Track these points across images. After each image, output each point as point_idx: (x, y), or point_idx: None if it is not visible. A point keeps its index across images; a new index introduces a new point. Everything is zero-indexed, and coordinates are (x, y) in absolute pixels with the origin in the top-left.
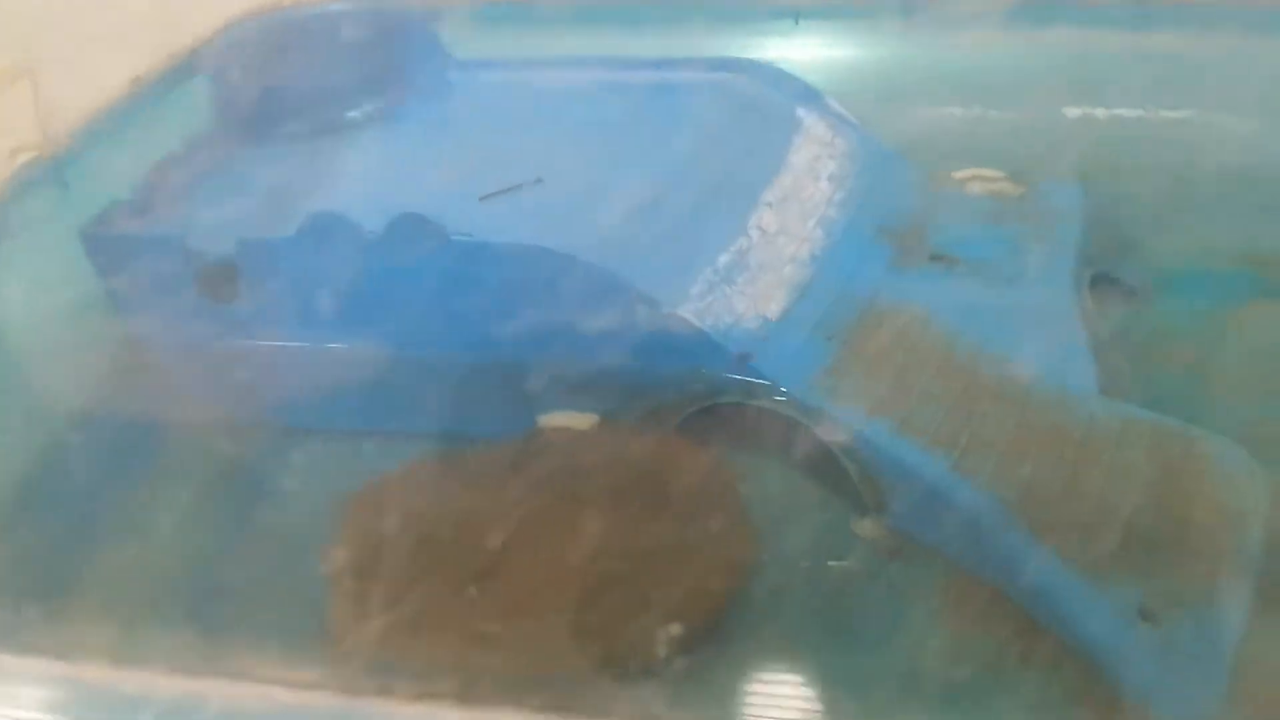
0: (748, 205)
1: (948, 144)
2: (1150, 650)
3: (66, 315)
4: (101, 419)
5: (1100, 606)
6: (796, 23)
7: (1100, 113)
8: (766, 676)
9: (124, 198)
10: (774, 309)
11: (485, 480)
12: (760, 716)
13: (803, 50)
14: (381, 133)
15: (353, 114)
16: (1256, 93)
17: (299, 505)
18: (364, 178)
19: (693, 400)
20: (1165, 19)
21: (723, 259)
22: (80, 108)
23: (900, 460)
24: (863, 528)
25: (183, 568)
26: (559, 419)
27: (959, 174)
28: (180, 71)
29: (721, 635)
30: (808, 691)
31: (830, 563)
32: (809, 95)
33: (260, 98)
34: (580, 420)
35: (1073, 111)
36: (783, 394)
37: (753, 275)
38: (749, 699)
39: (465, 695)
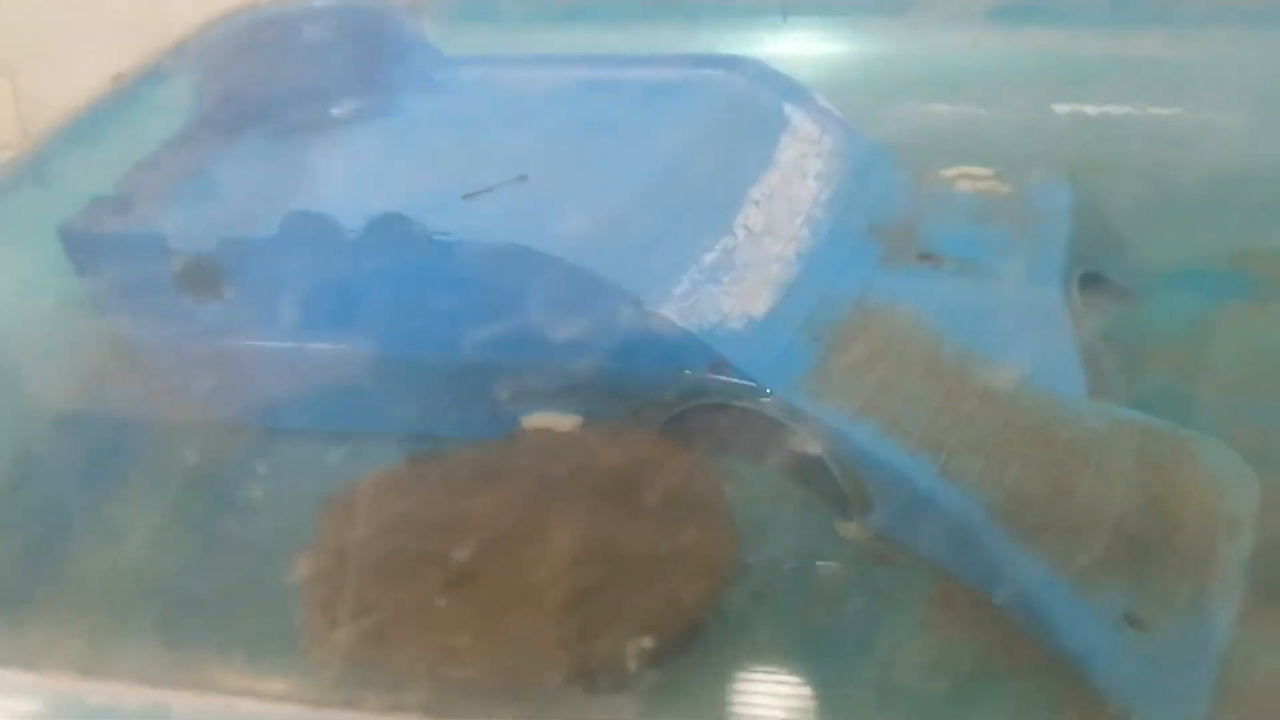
0: (734, 204)
1: (936, 141)
2: (1136, 657)
3: (45, 314)
4: (79, 419)
5: (1086, 612)
6: (785, 19)
7: (1090, 110)
8: (747, 684)
9: (104, 196)
10: (759, 309)
11: (466, 482)
12: None
13: (791, 47)
14: (365, 130)
15: (336, 111)
16: (1247, 90)
17: (277, 508)
18: (347, 176)
19: (677, 401)
20: (1155, 16)
21: (708, 258)
22: (60, 105)
23: (885, 463)
24: (847, 530)
25: (157, 572)
26: (541, 420)
27: (947, 172)
28: (162, 69)
29: (702, 640)
30: (787, 699)
31: (817, 563)
32: (797, 92)
33: (242, 95)
34: (563, 421)
35: (1062, 109)
36: (768, 395)
37: (738, 275)
38: (728, 708)
39: (434, 708)
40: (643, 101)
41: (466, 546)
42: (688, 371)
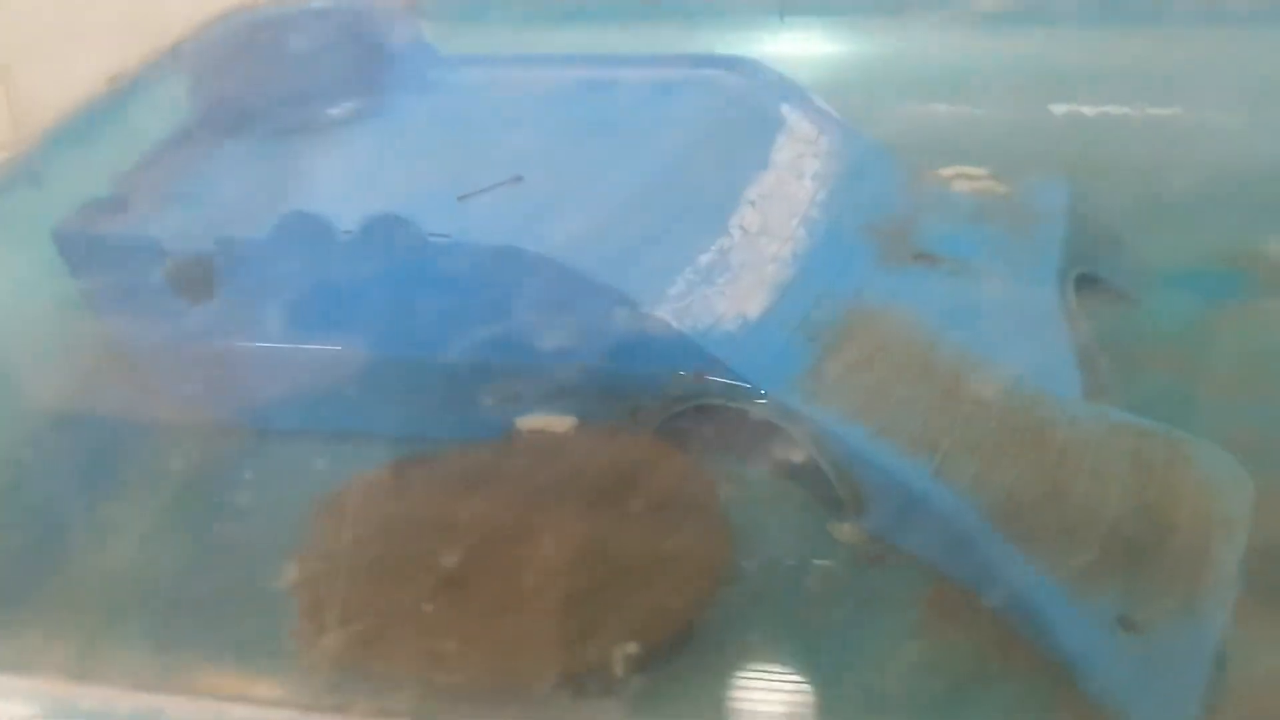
0: (730, 203)
1: (933, 141)
2: (1130, 660)
3: (39, 315)
4: (73, 420)
5: (1079, 615)
6: (782, 19)
7: (1087, 110)
8: (741, 686)
9: (99, 197)
10: (754, 310)
11: (460, 484)
12: None
13: (788, 46)
14: (362, 130)
15: (333, 111)
16: (1245, 90)
17: (270, 509)
18: (343, 176)
19: (672, 402)
20: (1152, 16)
21: (703, 258)
22: (55, 105)
23: (880, 465)
24: (842, 532)
25: (147, 574)
26: (537, 421)
27: (944, 172)
28: (158, 69)
29: (696, 642)
30: (781, 701)
31: (811, 565)
32: (794, 92)
33: (238, 96)
34: (558, 423)
35: (1059, 109)
36: (763, 397)
37: (734, 275)
38: (721, 711)
39: (424, 712)
40: (639, 102)
41: (460, 549)
42: (682, 373)
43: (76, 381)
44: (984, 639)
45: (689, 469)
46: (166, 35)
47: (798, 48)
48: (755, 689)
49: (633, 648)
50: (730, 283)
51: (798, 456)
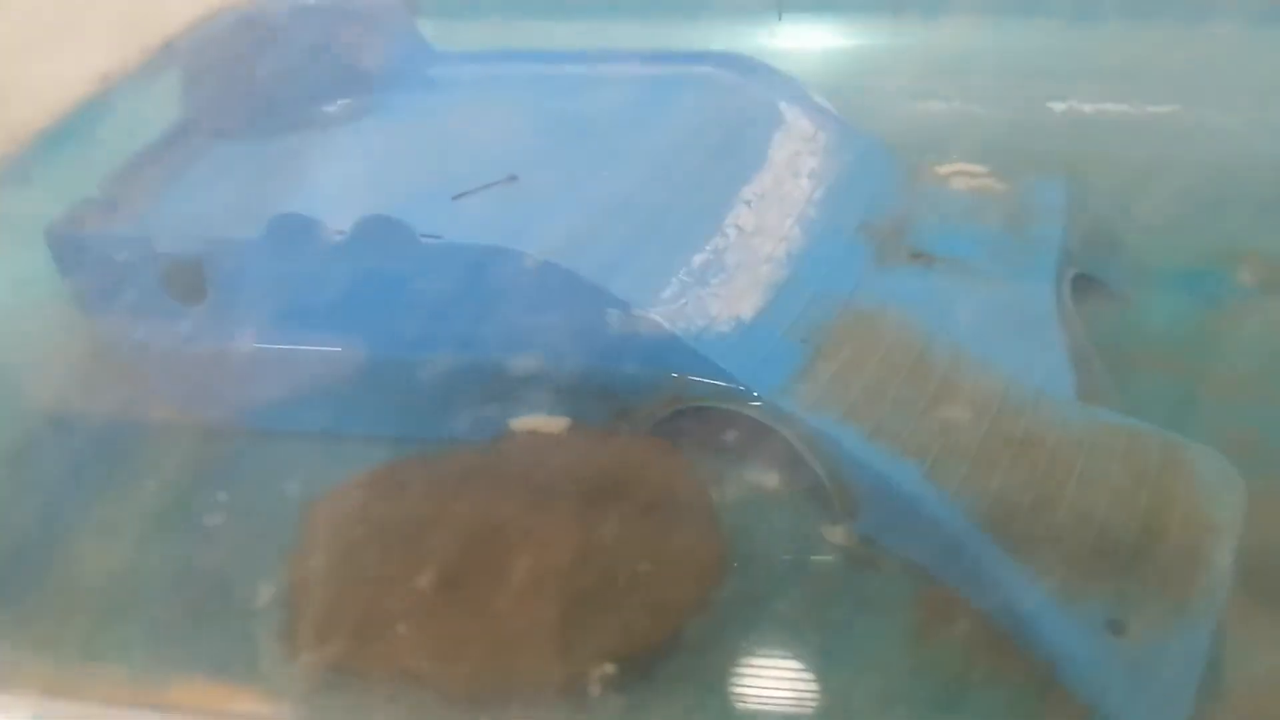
0: (726, 203)
1: (931, 139)
2: (1119, 663)
3: (31, 315)
4: (63, 419)
5: (1068, 619)
6: (780, 17)
7: (1087, 108)
8: (733, 688)
9: (91, 196)
10: (748, 311)
11: (452, 485)
12: None
13: (786, 43)
14: (357, 128)
15: (329, 108)
16: (1245, 88)
17: (262, 510)
18: (337, 176)
19: (664, 404)
20: (1153, 12)
21: (697, 259)
22: (48, 104)
23: (872, 468)
24: (834, 534)
25: (137, 576)
26: (529, 422)
27: (942, 169)
28: (151, 67)
29: (687, 645)
30: (772, 703)
31: (802, 567)
32: (792, 89)
33: (233, 93)
34: (551, 424)
35: (1058, 106)
36: (755, 399)
37: (728, 276)
38: (713, 713)
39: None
40: (636, 98)
41: (451, 550)
42: (675, 375)
43: (67, 382)
44: (975, 643)
45: (681, 471)
46: (158, 34)
47: (796, 44)
48: (745, 692)
49: (622, 652)
50: (724, 283)
51: (789, 458)
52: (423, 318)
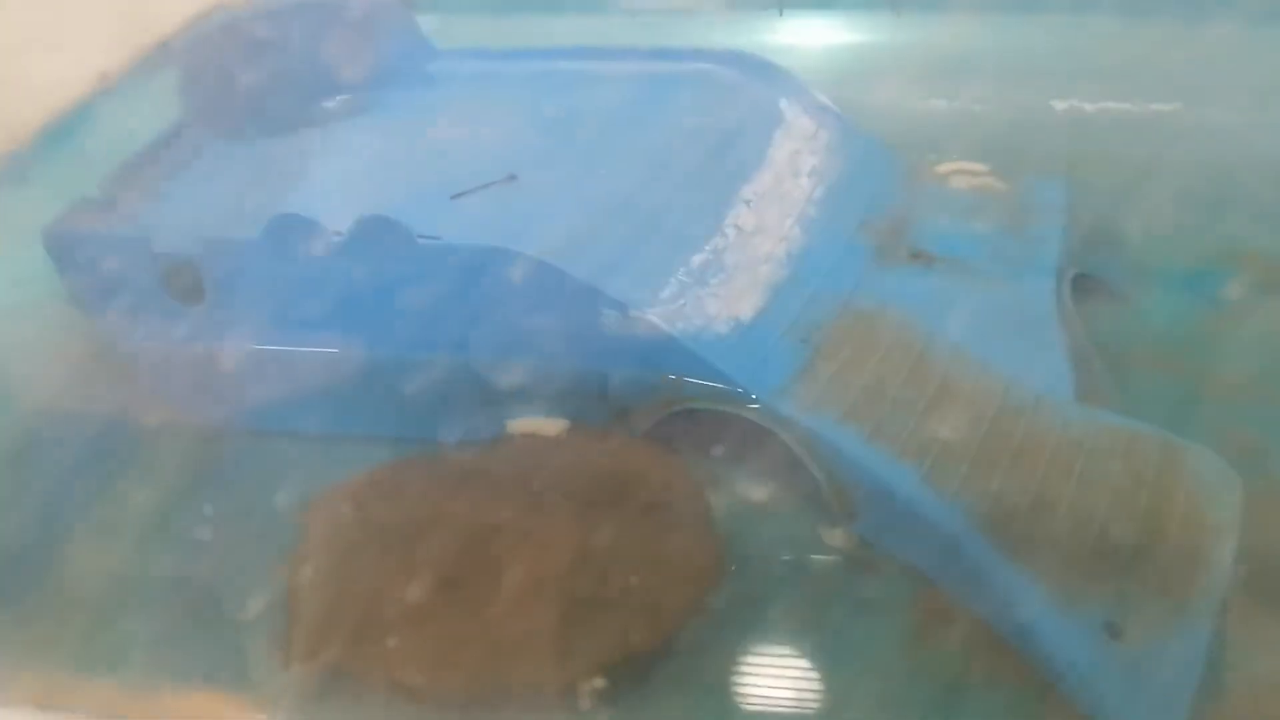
0: (725, 202)
1: (932, 137)
2: (1116, 668)
3: (28, 315)
4: (61, 419)
5: (1066, 622)
6: (781, 13)
7: (1088, 106)
8: (728, 691)
9: (89, 196)
10: (747, 311)
11: (449, 487)
12: None
13: (787, 39)
14: (356, 126)
15: (328, 105)
16: (1247, 86)
17: (259, 511)
18: (335, 174)
19: (662, 406)
20: (1154, 10)
21: (696, 259)
22: (46, 103)
23: (870, 470)
24: (832, 537)
25: (132, 579)
26: (527, 424)
27: (942, 168)
28: (149, 65)
29: (685, 648)
30: (767, 708)
31: (800, 570)
32: (793, 87)
33: (231, 91)
34: (548, 425)
35: (1060, 105)
36: (754, 401)
37: (727, 276)
38: (709, 715)
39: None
40: (636, 96)
41: (448, 553)
42: (673, 376)
43: (64, 382)
44: (974, 646)
45: (679, 473)
46: (157, 31)
47: (796, 39)
48: (743, 694)
49: (618, 655)
50: (723, 284)
51: (787, 461)
52: (420, 318)
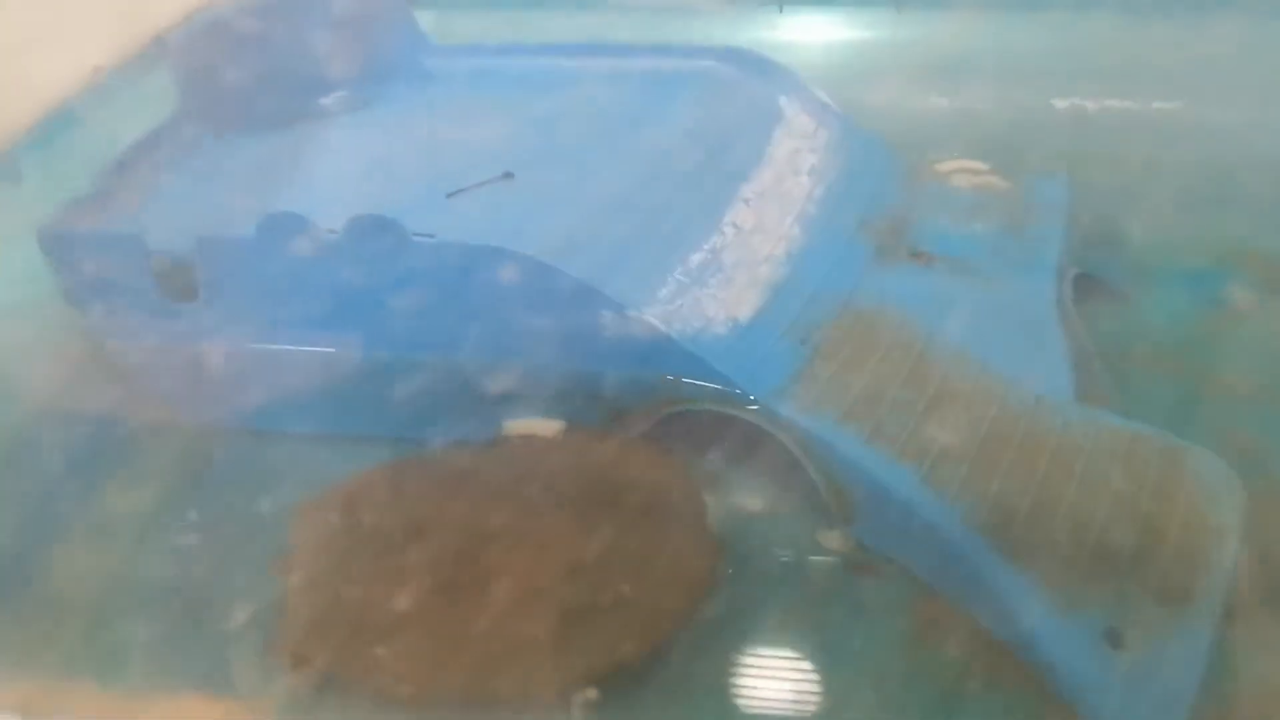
0: (724, 201)
1: (933, 135)
2: (1115, 675)
3: (22, 312)
4: (54, 417)
5: (1066, 628)
6: (781, 10)
7: (1089, 105)
8: (724, 696)
9: (83, 193)
10: (746, 312)
11: (446, 488)
12: None
13: (787, 36)
14: (353, 122)
15: (325, 101)
16: (1249, 85)
17: (251, 512)
18: (331, 171)
19: (660, 407)
20: (1155, 9)
21: (695, 258)
22: (39, 99)
23: (869, 471)
24: (830, 539)
25: (125, 581)
26: (523, 425)
27: (943, 166)
28: (144, 60)
29: (681, 651)
30: (763, 712)
31: (798, 573)
32: (792, 84)
33: (227, 87)
34: (545, 427)
35: (1061, 103)
36: (752, 402)
37: (726, 276)
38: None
39: None
40: (634, 94)
41: (444, 555)
42: (671, 377)
43: (58, 380)
44: (972, 650)
45: (677, 475)
46: (152, 26)
47: (796, 36)
48: (739, 698)
49: (613, 659)
50: (722, 284)
51: (786, 462)
52: (415, 318)
